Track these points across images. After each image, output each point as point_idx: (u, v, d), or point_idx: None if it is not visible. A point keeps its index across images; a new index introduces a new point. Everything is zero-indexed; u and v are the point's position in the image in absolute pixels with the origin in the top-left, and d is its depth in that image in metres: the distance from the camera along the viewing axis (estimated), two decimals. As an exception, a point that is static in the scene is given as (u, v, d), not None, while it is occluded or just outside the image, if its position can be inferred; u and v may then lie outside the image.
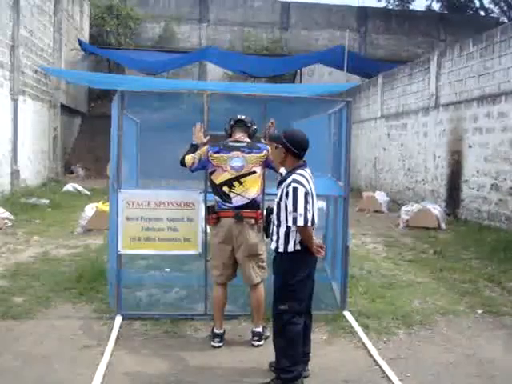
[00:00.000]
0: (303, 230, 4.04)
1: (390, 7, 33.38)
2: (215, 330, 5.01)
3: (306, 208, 3.96)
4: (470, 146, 12.00)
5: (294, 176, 4.07)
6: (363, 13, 30.43)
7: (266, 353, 4.61)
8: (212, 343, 4.96)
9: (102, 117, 15.85)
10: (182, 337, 5.22)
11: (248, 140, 5.04)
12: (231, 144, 4.93)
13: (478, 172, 11.63)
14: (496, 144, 10.90)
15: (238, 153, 4.87)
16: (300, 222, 3.96)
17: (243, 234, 4.83)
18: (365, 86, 20.14)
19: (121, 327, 5.32)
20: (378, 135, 17.34)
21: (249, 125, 5.08)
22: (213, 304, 5.15)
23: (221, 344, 4.95)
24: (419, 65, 15.16)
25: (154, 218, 5.48)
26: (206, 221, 5.14)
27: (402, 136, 16.00)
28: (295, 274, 4.10)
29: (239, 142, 4.95)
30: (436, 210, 11.66)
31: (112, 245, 5.82)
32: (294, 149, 4.08)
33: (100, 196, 13.26)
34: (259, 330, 4.99)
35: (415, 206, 11.80)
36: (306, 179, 4.07)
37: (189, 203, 5.57)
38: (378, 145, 17.43)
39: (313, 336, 5.19)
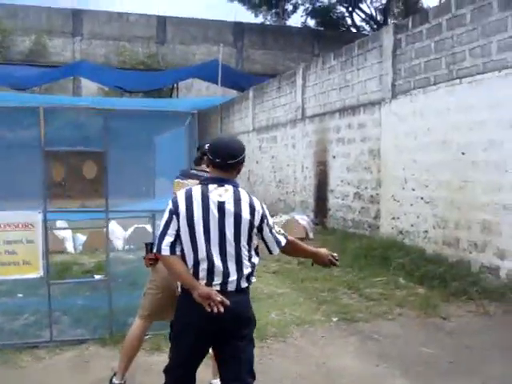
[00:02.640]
0: (161, 261, 3.21)
1: (268, 23, 33.99)
2: (115, 381, 4.20)
3: (163, 230, 3.04)
4: (334, 157, 12.31)
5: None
6: (240, 28, 30.75)
7: None
8: None
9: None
10: (22, 367, 4.79)
11: None
12: (191, 172, 4.23)
13: (342, 181, 11.95)
14: (357, 154, 11.24)
15: (195, 182, 3.98)
16: (154, 248, 3.13)
17: None
18: (238, 100, 20.27)
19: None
20: (251, 148, 17.44)
21: None
22: (124, 344, 4.30)
23: None
24: (287, 78, 15.44)
25: (-11, 242, 5.02)
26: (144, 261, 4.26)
27: (272, 148, 16.19)
28: (174, 322, 3.28)
29: (204, 171, 4.01)
30: (304, 220, 11.81)
31: None
32: (209, 154, 3.18)
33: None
34: (214, 383, 4.16)
35: (283, 217, 11.89)
36: (189, 196, 3.07)
37: (27, 224, 5.19)
38: (251, 158, 17.53)
39: (163, 355, 5.00)
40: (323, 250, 3.46)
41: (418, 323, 6.12)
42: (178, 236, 3.03)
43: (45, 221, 5.24)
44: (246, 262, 3.07)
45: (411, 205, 9.29)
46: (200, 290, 2.95)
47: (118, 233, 10.58)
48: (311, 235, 11.62)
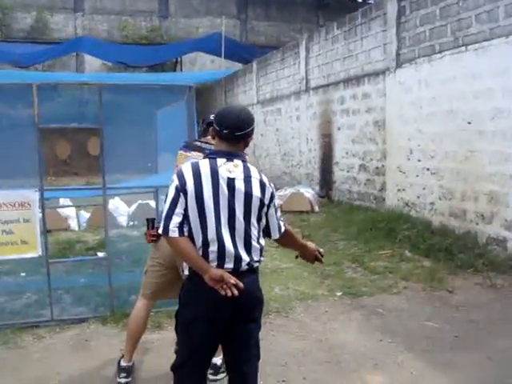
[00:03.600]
0: (169, 243, 2.89)
1: (271, -7, 33.42)
2: (122, 363, 4.09)
3: (170, 209, 2.80)
4: (338, 128, 12.14)
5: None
6: (243, 0, 30.28)
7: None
8: (118, 379, 4.04)
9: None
10: (22, 347, 4.74)
11: None
12: (195, 143, 4.08)
13: (347, 153, 11.79)
14: (362, 125, 11.06)
15: (199, 154, 3.87)
16: (160, 229, 2.85)
17: None
18: (241, 73, 20.05)
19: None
20: (255, 121, 17.27)
21: None
22: (128, 325, 4.18)
23: (128, 380, 4.03)
24: (290, 49, 15.19)
25: (-15, 222, 4.94)
26: (145, 237, 4.11)
27: (277, 121, 16.01)
28: (181, 312, 3.01)
29: (208, 143, 3.92)
30: (309, 193, 11.71)
31: None
32: (215, 124, 2.95)
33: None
34: (215, 361, 4.00)
35: (288, 191, 11.79)
36: (197, 171, 2.83)
37: (24, 203, 5.11)
38: (256, 131, 17.38)
39: (164, 333, 4.97)
40: (311, 245, 3.28)
41: (423, 297, 6.03)
42: (185, 215, 2.80)
43: (42, 199, 5.16)
44: (255, 243, 2.90)
45: (417, 176, 9.14)
46: (212, 273, 2.74)
47: (121, 209, 10.52)
48: (316, 208, 11.52)
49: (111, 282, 5.41)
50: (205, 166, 2.85)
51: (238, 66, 24.55)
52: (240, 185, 2.84)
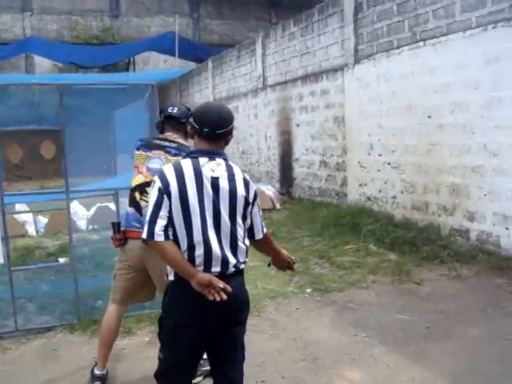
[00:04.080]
0: (154, 248, 2.76)
1: (222, -8, 33.32)
2: (96, 372, 3.97)
3: (154, 213, 2.68)
4: (297, 125, 12.16)
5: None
6: (195, -2, 30.08)
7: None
8: None
9: None
10: (-14, 360, 4.58)
11: (181, 141, 3.94)
12: (155, 141, 3.94)
13: (307, 150, 11.82)
14: (321, 121, 11.11)
15: (161, 153, 3.87)
16: (143, 234, 2.73)
17: (156, 259, 3.27)
18: (196, 72, 19.91)
19: None
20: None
21: (183, 121, 3.91)
22: (100, 332, 4.05)
23: None
24: (246, 47, 15.15)
25: None
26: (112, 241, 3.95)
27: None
28: (165, 318, 2.88)
29: (168, 140, 3.92)
30: (270, 190, 11.69)
31: None
32: (195, 123, 2.83)
33: None
34: None
35: (249, 189, 11.71)
36: (180, 171, 2.74)
37: (-18, 210, 4.93)
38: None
39: (135, 338, 4.87)
40: (285, 252, 3.22)
41: (392, 290, 6.08)
42: (170, 218, 2.69)
43: (2, 205, 4.98)
44: (241, 243, 2.80)
45: (378, 170, 9.23)
46: (200, 278, 2.63)
47: (80, 213, 10.30)
48: (278, 205, 11.52)
49: (77, 288, 5.26)
50: (187, 165, 2.76)
51: (192, 65, 24.38)
52: (224, 184, 2.77)
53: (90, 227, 10.23)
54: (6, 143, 19.63)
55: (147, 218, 2.71)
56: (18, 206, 10.12)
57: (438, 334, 4.79)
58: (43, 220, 10.22)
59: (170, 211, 2.69)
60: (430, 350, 4.48)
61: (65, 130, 5.18)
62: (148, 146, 3.93)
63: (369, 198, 9.54)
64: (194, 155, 2.82)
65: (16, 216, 9.74)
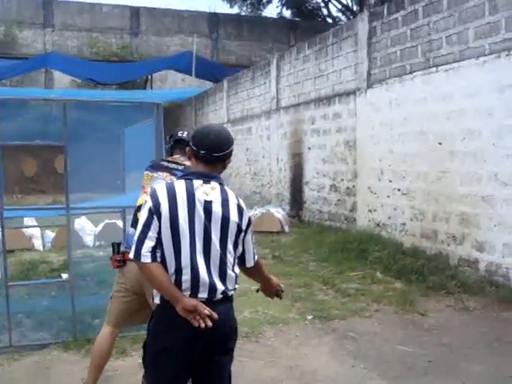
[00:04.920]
0: (140, 269, 2.71)
1: (243, 14, 33.59)
2: None
3: (142, 233, 2.63)
4: (309, 148, 12.08)
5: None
6: (215, 19, 30.31)
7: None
8: None
9: None
10: (-23, 377, 4.51)
11: (188, 163, 3.72)
12: (162, 163, 3.94)
13: (317, 173, 11.73)
14: (333, 145, 11.02)
15: (166, 174, 3.82)
16: (131, 254, 2.68)
17: None
18: (212, 91, 19.97)
19: None
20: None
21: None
22: (92, 353, 3.96)
23: None
24: (261, 68, 15.17)
25: None
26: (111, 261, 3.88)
27: (247, 140, 15.92)
28: (150, 343, 2.83)
29: (175, 163, 3.89)
30: (279, 213, 11.59)
31: None
32: (193, 145, 2.79)
33: None
34: None
35: (258, 211, 11.64)
36: (172, 192, 2.67)
37: (-19, 224, 4.90)
38: (227, 150, 17.32)
39: (129, 360, 4.77)
40: (275, 279, 3.13)
41: (395, 320, 5.92)
42: (158, 239, 2.63)
43: (1, 219, 4.94)
44: (230, 271, 2.72)
45: (388, 196, 9.10)
46: (185, 303, 2.56)
47: (88, 228, 10.26)
48: (287, 228, 11.40)
49: (74, 306, 5.18)
50: (180, 187, 2.69)
51: (209, 84, 24.50)
52: (217, 208, 2.69)
53: (97, 243, 10.17)
54: (21, 156, 19.84)
55: (135, 238, 2.65)
56: (26, 220, 10.12)
57: (439, 369, 4.64)
58: (50, 234, 10.19)
59: (160, 232, 2.62)
60: (431, 385, 4.33)
61: (67, 146, 5.14)
62: (155, 167, 3.91)
63: (378, 224, 9.40)
64: (188, 177, 2.75)
65: (24, 229, 9.74)
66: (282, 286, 3.15)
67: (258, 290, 3.17)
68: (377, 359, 4.84)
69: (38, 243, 10.01)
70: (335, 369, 4.65)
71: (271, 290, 3.14)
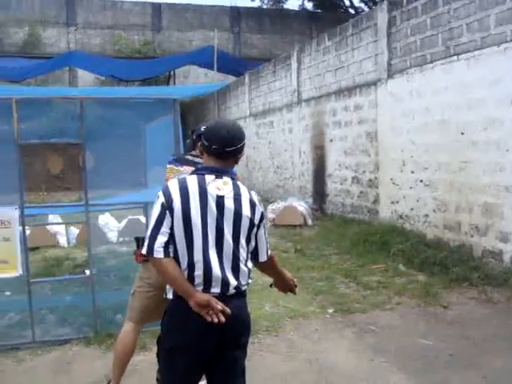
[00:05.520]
0: (152, 264, 2.73)
1: (264, 7, 33.45)
2: None
3: (155, 228, 2.62)
4: (331, 140, 12.00)
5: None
6: (236, 13, 30.29)
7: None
8: None
9: None
10: (1, 371, 4.57)
11: None
12: (187, 157, 3.91)
13: (339, 166, 11.65)
14: (354, 137, 10.93)
15: (191, 169, 3.59)
16: (144, 249, 2.67)
17: None
18: (234, 86, 19.94)
19: None
20: (248, 134, 17.11)
21: None
22: (115, 350, 3.97)
23: None
24: (281, 61, 15.09)
25: (-36, 240, 4.80)
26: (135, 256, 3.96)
27: (269, 134, 15.89)
28: (164, 338, 2.83)
29: (200, 157, 3.69)
30: (302, 206, 11.54)
31: None
32: (204, 139, 2.79)
33: None
34: None
35: (281, 204, 11.62)
36: (184, 187, 2.66)
37: (3, 221, 4.95)
38: (248, 144, 17.24)
39: (149, 355, 4.79)
40: (289, 274, 3.11)
41: (417, 313, 5.85)
42: (171, 235, 2.62)
43: (22, 217, 5.00)
44: (243, 266, 2.71)
45: (410, 188, 8.99)
46: (198, 298, 2.56)
47: (111, 224, 10.35)
48: (309, 221, 11.36)
49: (95, 301, 5.24)
50: (192, 182, 2.68)
51: (232, 78, 24.50)
52: (229, 203, 2.67)
53: (121, 239, 10.25)
54: (47, 154, 20.08)
55: (148, 233, 2.64)
56: (51, 217, 10.24)
57: (461, 363, 4.57)
58: (75, 231, 10.31)
59: (172, 228, 2.62)
60: (451, 379, 4.27)
61: (85, 143, 5.18)
62: (180, 160, 3.89)
63: (400, 216, 9.30)
64: (200, 172, 2.74)
65: (48, 226, 9.86)
66: (295, 280, 3.13)
67: (271, 285, 3.15)
68: (397, 353, 4.78)
69: (62, 240, 10.13)
70: (354, 363, 4.62)
71: (285, 285, 3.11)
